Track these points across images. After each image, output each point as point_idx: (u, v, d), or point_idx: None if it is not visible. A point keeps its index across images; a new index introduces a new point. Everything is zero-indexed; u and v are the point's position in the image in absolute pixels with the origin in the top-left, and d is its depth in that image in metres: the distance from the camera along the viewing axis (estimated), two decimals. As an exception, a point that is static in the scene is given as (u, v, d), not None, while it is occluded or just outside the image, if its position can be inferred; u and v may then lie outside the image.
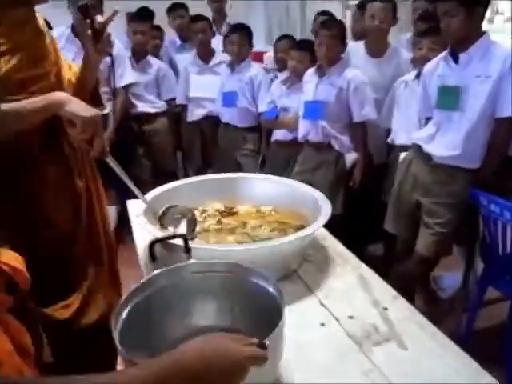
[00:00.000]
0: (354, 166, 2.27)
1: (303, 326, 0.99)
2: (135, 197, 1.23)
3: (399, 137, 2.15)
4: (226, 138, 3.08)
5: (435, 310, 2.00)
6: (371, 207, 2.25)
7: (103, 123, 1.17)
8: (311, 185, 2.42)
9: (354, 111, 2.25)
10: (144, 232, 1.17)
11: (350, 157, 2.26)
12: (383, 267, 1.70)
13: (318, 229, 1.14)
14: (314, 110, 2.24)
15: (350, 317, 1.02)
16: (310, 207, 1.28)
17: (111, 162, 1.14)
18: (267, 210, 1.38)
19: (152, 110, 3.13)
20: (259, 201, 1.42)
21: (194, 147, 3.34)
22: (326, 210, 1.21)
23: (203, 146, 3.31)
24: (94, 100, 1.36)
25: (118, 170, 1.15)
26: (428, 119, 1.90)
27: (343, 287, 1.14)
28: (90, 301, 1.32)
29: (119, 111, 2.92)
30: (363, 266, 1.24)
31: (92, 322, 1.31)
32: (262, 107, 2.82)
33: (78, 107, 1.08)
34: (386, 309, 1.05)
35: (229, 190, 1.46)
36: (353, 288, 1.14)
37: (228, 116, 3.04)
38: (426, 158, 1.81)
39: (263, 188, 1.44)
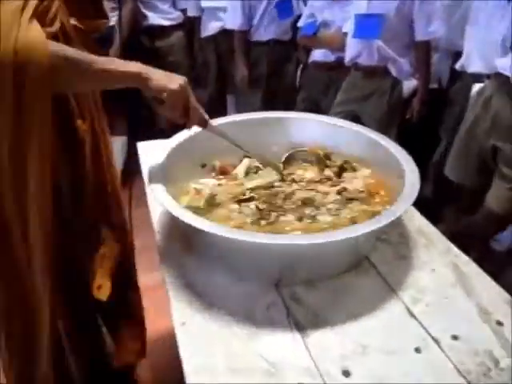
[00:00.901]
0: (413, 95, 1.89)
1: (389, 351, 0.73)
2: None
3: (473, 63, 1.73)
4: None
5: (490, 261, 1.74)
6: (426, 143, 1.92)
7: (108, 38, 0.96)
8: (357, 117, 2.11)
9: (419, 27, 1.82)
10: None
11: (410, 84, 1.87)
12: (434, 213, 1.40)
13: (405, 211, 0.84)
14: (368, 26, 1.81)
15: (454, 337, 0.75)
16: (389, 169, 0.98)
17: (215, 131, 0.99)
18: (332, 171, 1.08)
19: (166, 23, 2.68)
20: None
21: (209, 68, 2.92)
22: (412, 178, 0.90)
23: (219, 67, 2.89)
24: (96, 10, 1.07)
25: (225, 137, 1.01)
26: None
27: (435, 285, 0.86)
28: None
29: (127, 24, 2.46)
30: (455, 250, 0.95)
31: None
32: (300, 21, 2.37)
33: (162, 79, 0.86)
34: (500, 324, 0.78)
35: (278, 136, 1.15)
36: (448, 286, 0.86)
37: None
38: (514, 93, 1.43)
39: (324, 134, 1.13)
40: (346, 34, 2.08)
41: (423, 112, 1.90)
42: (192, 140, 1.06)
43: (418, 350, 0.73)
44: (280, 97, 2.72)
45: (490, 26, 1.63)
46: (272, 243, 0.77)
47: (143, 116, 2.60)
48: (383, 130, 1.96)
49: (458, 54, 1.86)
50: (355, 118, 2.06)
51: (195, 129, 0.99)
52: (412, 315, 0.80)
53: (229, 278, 0.87)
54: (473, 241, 1.62)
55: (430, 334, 0.76)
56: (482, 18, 1.68)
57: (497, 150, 1.51)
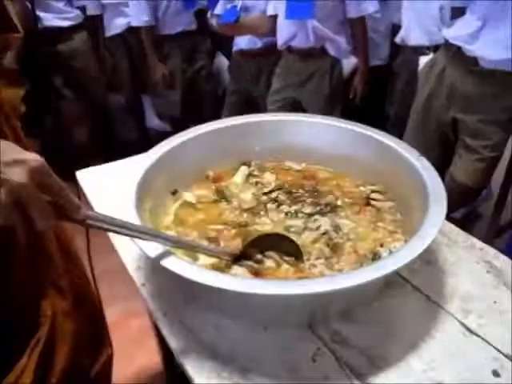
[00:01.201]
0: (354, 74, 1.82)
1: (467, 380, 0.63)
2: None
3: (414, 36, 1.69)
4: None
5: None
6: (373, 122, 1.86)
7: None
8: (299, 103, 2.01)
9: (351, 4, 1.74)
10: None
11: (349, 62, 1.79)
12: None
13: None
14: (300, 6, 1.69)
15: (528, 348, 0.67)
16: (406, 180, 0.85)
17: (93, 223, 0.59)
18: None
19: (64, 23, 2.36)
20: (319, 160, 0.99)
21: (120, 71, 2.66)
22: (437, 197, 0.75)
23: (132, 67, 2.64)
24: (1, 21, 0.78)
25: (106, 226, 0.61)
26: (456, 11, 1.46)
27: (477, 289, 0.77)
28: None
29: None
30: (480, 243, 0.88)
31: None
32: (217, 8, 2.20)
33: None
34: None
35: (272, 139, 1.00)
36: (490, 288, 0.78)
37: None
38: (469, 62, 1.40)
39: (319, 139, 0.98)
40: (272, 16, 1.95)
41: (366, 91, 1.84)
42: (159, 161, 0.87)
43: (496, 374, 0.64)
44: (199, 92, 2.56)
45: (427, -2, 1.59)
46: (302, 294, 0.61)
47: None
48: (327, 113, 1.89)
49: (395, 28, 1.82)
50: (295, 104, 1.96)
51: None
52: (471, 331, 0.70)
53: (249, 327, 0.71)
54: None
55: (499, 351, 0.67)
56: (417, -11, 1.65)
57: (457, 121, 1.48)
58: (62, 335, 0.88)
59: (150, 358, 1.30)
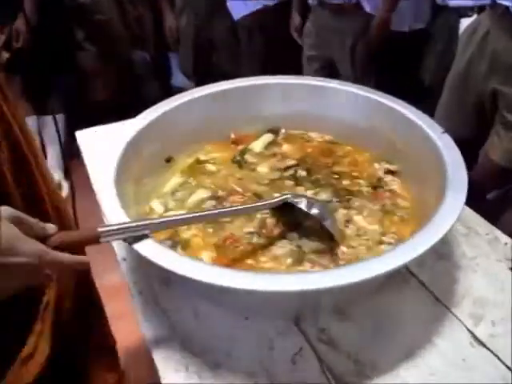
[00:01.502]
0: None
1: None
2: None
3: (456, -6, 1.51)
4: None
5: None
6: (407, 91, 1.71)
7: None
8: (330, 65, 1.87)
9: None
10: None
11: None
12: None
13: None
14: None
15: (544, 369, 0.58)
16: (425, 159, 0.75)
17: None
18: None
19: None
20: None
21: (144, 25, 2.54)
22: (458, 181, 0.66)
23: (156, 22, 2.51)
24: None
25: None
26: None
27: (494, 292, 0.67)
28: None
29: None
30: (504, 236, 0.76)
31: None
32: None
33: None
34: None
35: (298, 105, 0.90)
36: (510, 292, 0.68)
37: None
38: (517, 27, 1.23)
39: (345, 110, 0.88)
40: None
41: (382, 44, 1.66)
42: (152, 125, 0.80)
43: (504, 393, 0.55)
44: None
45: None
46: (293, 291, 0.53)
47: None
48: (361, 76, 1.74)
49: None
50: (329, 64, 1.83)
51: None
52: (479, 342, 0.61)
53: (230, 316, 0.65)
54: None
55: (509, 369, 0.58)
56: None
57: (497, 94, 1.32)
58: (68, 294, 0.85)
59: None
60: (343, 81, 0.91)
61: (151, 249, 0.57)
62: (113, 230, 0.56)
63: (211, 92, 0.88)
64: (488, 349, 0.60)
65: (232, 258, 0.67)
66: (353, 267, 0.56)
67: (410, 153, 0.79)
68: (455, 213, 0.60)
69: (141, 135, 0.78)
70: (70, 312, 0.87)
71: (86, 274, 0.99)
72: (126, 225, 0.57)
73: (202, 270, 0.54)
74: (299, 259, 0.67)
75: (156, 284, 0.69)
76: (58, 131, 1.35)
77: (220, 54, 2.34)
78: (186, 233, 0.71)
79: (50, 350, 0.77)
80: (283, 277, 0.56)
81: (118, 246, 0.76)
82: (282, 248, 0.69)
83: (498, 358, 0.59)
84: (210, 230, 0.72)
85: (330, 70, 1.83)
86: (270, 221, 0.73)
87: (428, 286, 0.69)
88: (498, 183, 1.43)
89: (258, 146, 0.89)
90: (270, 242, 0.70)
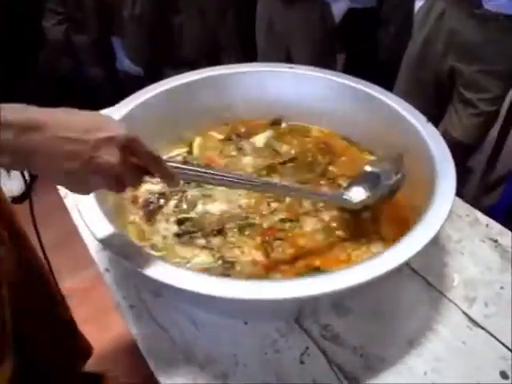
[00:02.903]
0: (345, 20, 1.64)
1: (468, 378, 0.57)
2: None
3: (411, -28, 1.52)
4: None
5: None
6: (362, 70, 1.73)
7: None
8: (288, 52, 1.83)
9: None
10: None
11: (338, 7, 1.61)
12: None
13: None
14: None
15: (538, 345, 0.61)
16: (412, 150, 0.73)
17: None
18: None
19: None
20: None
21: (85, 7, 2.40)
22: (447, 175, 0.67)
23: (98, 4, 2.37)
24: None
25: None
26: None
27: (482, 274, 0.70)
28: None
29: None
30: (485, 218, 0.79)
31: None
32: None
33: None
34: None
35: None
36: (497, 273, 0.70)
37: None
38: (471, 4, 1.25)
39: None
40: None
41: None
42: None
43: (504, 376, 0.57)
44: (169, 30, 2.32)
45: None
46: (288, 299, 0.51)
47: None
48: (320, 63, 1.71)
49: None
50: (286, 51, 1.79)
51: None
52: (475, 323, 0.63)
53: (229, 322, 0.63)
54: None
55: (508, 348, 0.60)
56: None
57: (455, 71, 1.35)
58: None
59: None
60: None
61: (138, 258, 0.53)
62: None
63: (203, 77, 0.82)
64: (484, 329, 0.62)
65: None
66: (350, 270, 0.54)
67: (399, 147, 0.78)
68: (447, 206, 0.61)
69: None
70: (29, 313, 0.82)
71: (43, 275, 0.94)
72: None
73: (193, 279, 0.51)
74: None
75: (147, 295, 0.66)
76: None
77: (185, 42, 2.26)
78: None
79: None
80: (278, 285, 0.53)
81: (100, 256, 0.72)
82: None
83: (496, 338, 0.61)
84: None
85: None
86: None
87: (420, 272, 0.70)
88: (458, 159, 1.47)
89: (260, 142, 0.86)
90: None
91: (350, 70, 0.91)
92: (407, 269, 0.70)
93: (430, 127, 0.73)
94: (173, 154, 0.82)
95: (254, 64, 0.88)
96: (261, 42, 1.79)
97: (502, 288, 0.67)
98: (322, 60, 1.64)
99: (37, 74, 2.23)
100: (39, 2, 2.18)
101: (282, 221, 0.71)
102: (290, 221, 0.71)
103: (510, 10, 1.21)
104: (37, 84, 2.17)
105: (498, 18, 1.23)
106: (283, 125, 0.89)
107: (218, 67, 0.84)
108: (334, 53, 1.71)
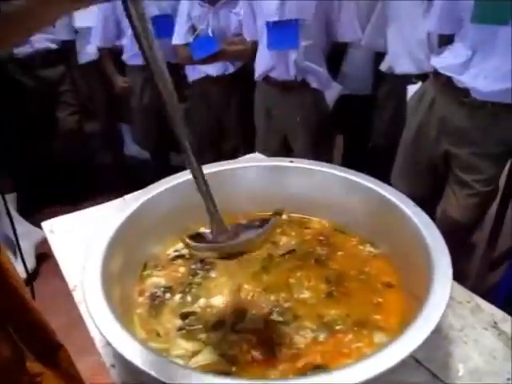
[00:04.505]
0: (339, 105, 1.74)
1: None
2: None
3: (401, 63, 1.63)
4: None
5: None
6: (358, 155, 1.80)
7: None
8: (285, 136, 1.91)
9: (342, 28, 1.66)
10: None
11: (332, 93, 1.71)
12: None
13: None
14: (283, 34, 1.61)
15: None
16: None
17: None
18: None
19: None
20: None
21: (95, 97, 2.58)
22: (443, 265, 0.67)
23: (108, 93, 2.55)
24: None
25: None
26: (446, 39, 1.40)
27: (487, 364, 0.69)
28: None
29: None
30: (484, 303, 0.80)
31: None
32: (176, 37, 2.07)
33: None
34: None
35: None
36: (504, 362, 0.70)
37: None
38: (459, 93, 1.34)
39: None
40: (255, 42, 1.87)
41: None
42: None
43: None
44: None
45: (414, 24, 1.54)
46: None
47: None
48: (315, 149, 1.78)
49: (378, 56, 1.76)
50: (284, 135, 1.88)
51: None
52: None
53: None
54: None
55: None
56: (403, 16, 1.58)
57: (449, 155, 1.42)
58: None
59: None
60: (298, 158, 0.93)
61: (144, 357, 0.54)
62: None
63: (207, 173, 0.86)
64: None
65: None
66: (354, 368, 0.54)
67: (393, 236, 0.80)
68: (444, 300, 0.63)
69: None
70: None
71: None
72: None
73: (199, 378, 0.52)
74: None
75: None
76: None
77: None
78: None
79: None
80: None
81: (105, 351, 0.72)
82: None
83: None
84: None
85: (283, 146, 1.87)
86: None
87: (424, 363, 0.70)
88: (458, 238, 1.50)
89: None
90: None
91: (348, 153, 0.95)
92: (411, 359, 0.70)
93: (424, 217, 0.76)
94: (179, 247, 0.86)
95: (257, 158, 0.93)
96: (259, 127, 1.89)
97: (508, 380, 0.67)
98: (319, 143, 1.72)
99: (50, 161, 2.33)
100: (54, 95, 2.33)
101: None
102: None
103: (498, 98, 1.29)
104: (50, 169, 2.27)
105: (485, 106, 1.31)
106: (284, 216, 0.92)
107: (221, 162, 0.90)
108: (330, 136, 1.79)
